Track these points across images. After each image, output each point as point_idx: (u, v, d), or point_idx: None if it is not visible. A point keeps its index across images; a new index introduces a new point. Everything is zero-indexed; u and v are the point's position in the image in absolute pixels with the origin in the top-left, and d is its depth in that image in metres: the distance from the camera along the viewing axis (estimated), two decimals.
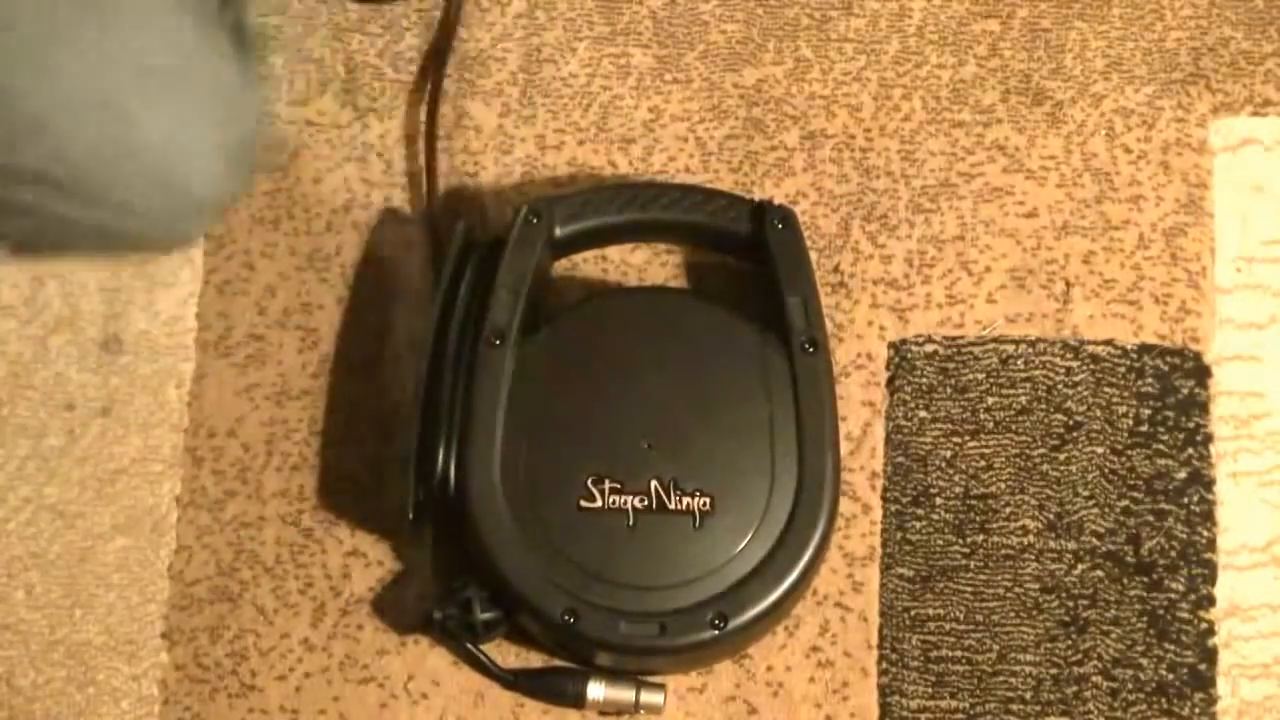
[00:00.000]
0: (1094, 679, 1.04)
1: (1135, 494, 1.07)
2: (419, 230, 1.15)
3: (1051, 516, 1.07)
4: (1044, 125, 1.17)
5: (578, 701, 1.02)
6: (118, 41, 0.99)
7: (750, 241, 1.07)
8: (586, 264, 1.13)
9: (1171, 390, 1.10)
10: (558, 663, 1.04)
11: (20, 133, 0.99)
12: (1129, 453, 1.08)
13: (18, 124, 0.98)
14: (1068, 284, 1.12)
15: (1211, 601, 1.05)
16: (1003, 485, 1.08)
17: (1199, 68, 1.18)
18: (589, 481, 1.00)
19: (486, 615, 1.00)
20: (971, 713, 1.04)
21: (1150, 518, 1.07)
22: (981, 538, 1.07)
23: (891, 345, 1.12)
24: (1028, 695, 1.04)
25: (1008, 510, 1.07)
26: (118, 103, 0.99)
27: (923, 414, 1.10)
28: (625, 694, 1.02)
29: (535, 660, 1.05)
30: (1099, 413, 1.09)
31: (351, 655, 1.06)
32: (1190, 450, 1.08)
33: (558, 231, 1.07)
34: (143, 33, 1.00)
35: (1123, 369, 1.10)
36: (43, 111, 0.98)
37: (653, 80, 1.19)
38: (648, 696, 1.02)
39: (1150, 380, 1.10)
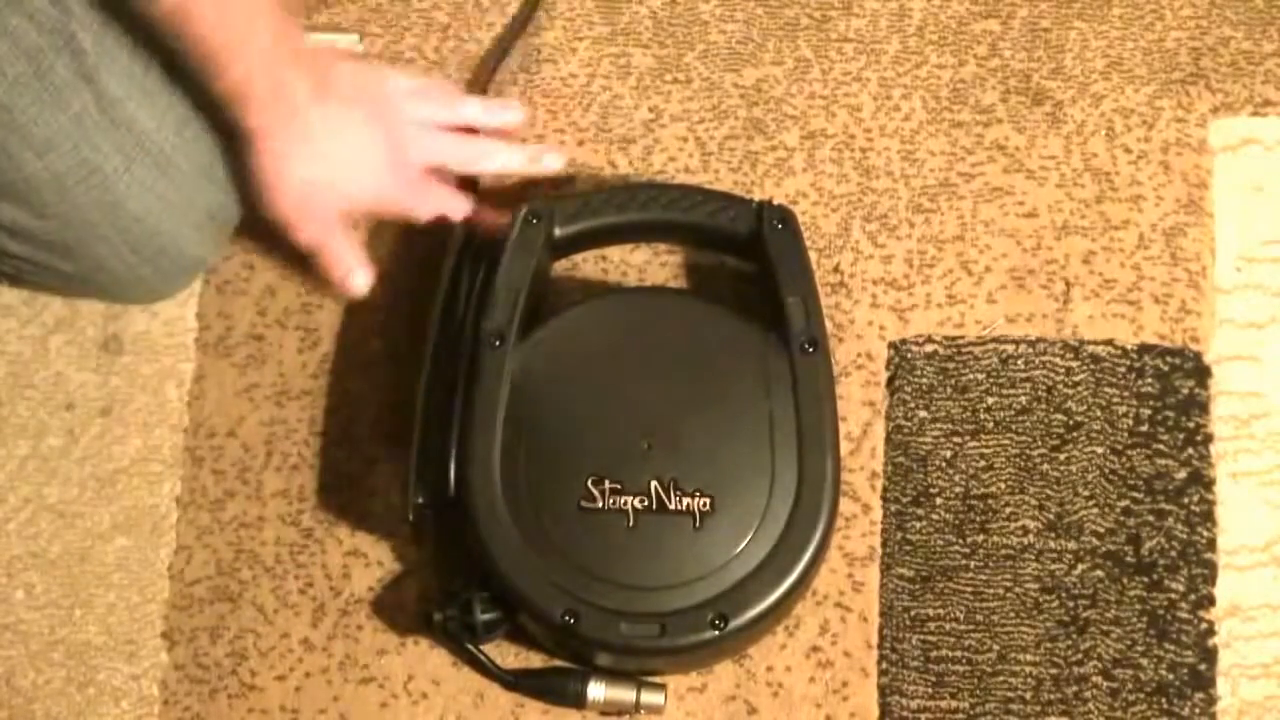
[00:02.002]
0: (1094, 679, 1.04)
1: (1135, 494, 1.07)
2: (419, 230, 1.15)
3: (1051, 516, 1.07)
4: (1044, 125, 1.17)
5: (578, 702, 1.02)
6: (110, 113, 0.99)
7: (750, 241, 1.07)
8: (586, 264, 1.13)
9: (1171, 390, 1.10)
10: (558, 663, 1.04)
11: (7, 195, 0.99)
12: (1129, 453, 1.08)
13: (4, 187, 0.99)
14: (1068, 284, 1.13)
15: (1211, 601, 1.05)
16: (1003, 485, 1.08)
17: (1199, 68, 1.18)
18: (589, 482, 1.00)
19: (487, 616, 1.00)
20: (971, 713, 1.04)
21: (1150, 518, 1.07)
22: (981, 538, 1.07)
23: (891, 345, 1.12)
24: (1028, 695, 1.04)
25: (1008, 510, 1.07)
26: (105, 172, 1.00)
27: (923, 414, 1.10)
28: (626, 694, 1.02)
29: (535, 660, 1.05)
30: (1099, 413, 1.09)
31: (351, 655, 1.06)
32: (1190, 450, 1.08)
33: (557, 232, 1.07)
34: (138, 103, 1.01)
35: (1123, 369, 1.10)
36: (32, 176, 0.98)
37: (653, 80, 1.19)
38: (648, 697, 1.02)
39: (1150, 380, 1.10)
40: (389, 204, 1.11)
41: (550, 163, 1.14)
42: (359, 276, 1.09)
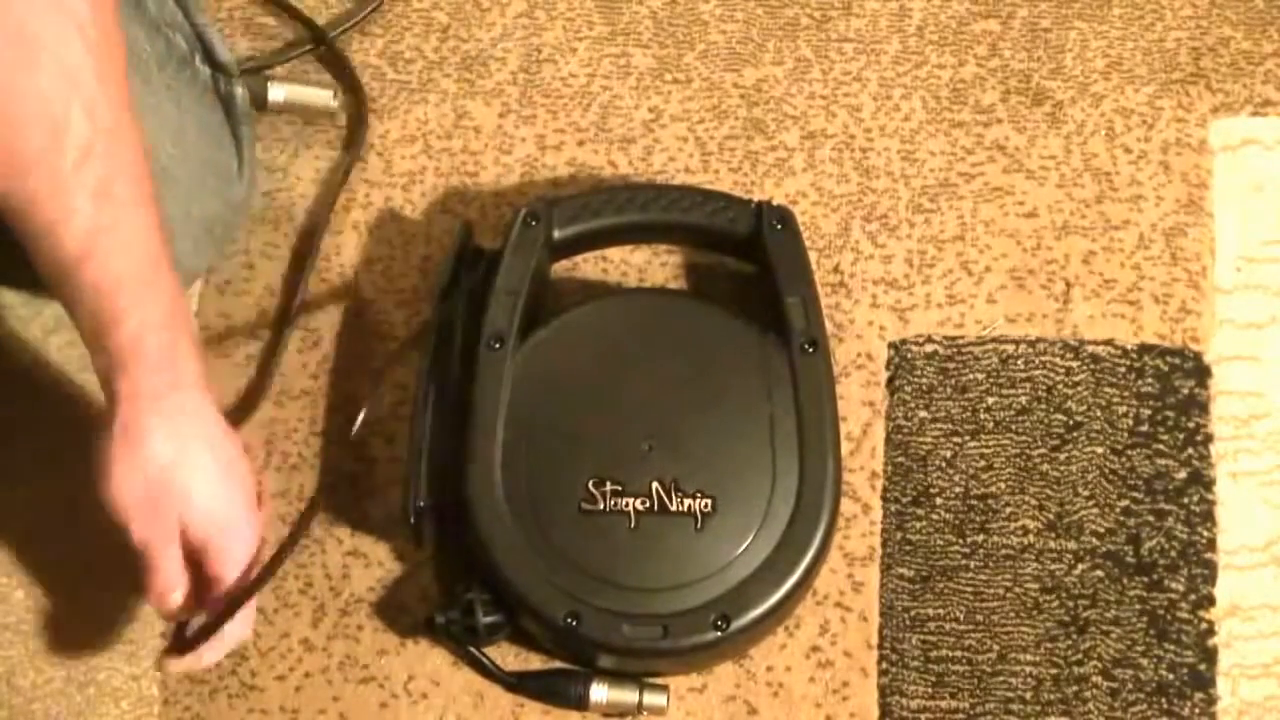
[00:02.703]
0: (1094, 679, 1.04)
1: (1135, 494, 1.07)
2: (419, 230, 1.15)
3: (1051, 516, 1.07)
4: (1044, 125, 1.17)
5: (581, 703, 1.02)
6: None
7: (749, 242, 1.07)
8: (586, 264, 1.13)
9: (1171, 390, 1.10)
10: (559, 664, 1.04)
11: None
12: (1129, 453, 1.08)
13: None
14: (1068, 284, 1.13)
15: (1211, 601, 1.05)
16: (1003, 485, 1.08)
17: (1199, 68, 1.18)
18: (590, 484, 1.00)
19: (488, 618, 1.00)
20: (971, 713, 1.04)
21: (1150, 518, 1.07)
22: (981, 538, 1.07)
23: (891, 345, 1.12)
24: (1028, 695, 1.04)
25: (1008, 510, 1.07)
26: None
27: (923, 414, 1.10)
28: (628, 696, 1.02)
29: (536, 661, 1.05)
30: (1099, 413, 1.09)
31: (351, 655, 1.06)
32: (1190, 450, 1.08)
33: (557, 234, 1.07)
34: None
35: (1123, 369, 1.10)
36: None
37: (653, 80, 1.19)
38: (651, 698, 1.02)
39: (1150, 380, 1.10)
40: (232, 550, 0.96)
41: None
42: (178, 596, 0.95)
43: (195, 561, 0.96)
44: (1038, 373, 1.10)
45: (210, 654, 0.99)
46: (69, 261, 0.88)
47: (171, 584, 0.95)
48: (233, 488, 0.96)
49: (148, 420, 0.92)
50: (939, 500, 1.08)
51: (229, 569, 0.96)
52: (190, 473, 0.94)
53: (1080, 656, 1.04)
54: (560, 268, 1.12)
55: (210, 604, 0.97)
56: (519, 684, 1.04)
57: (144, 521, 0.94)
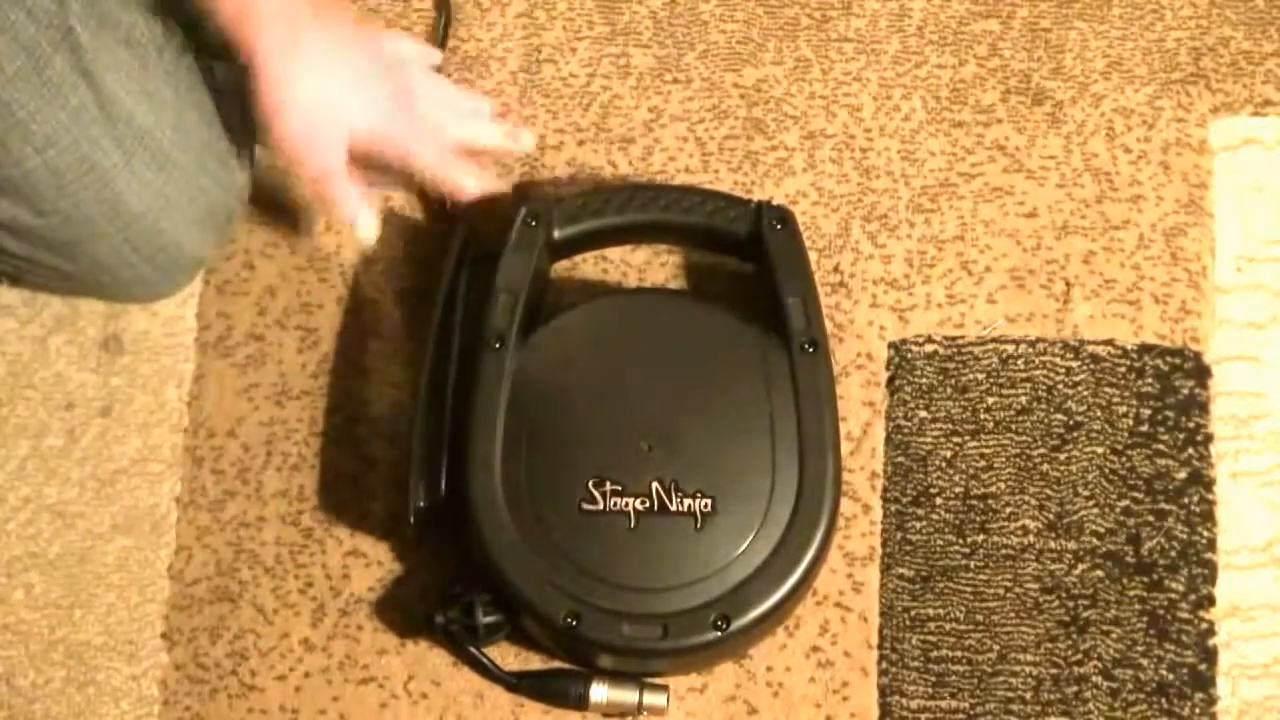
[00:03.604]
0: (1094, 679, 1.04)
1: (1135, 494, 1.07)
2: (419, 230, 1.15)
3: (1051, 516, 1.07)
4: (1044, 125, 1.17)
5: (581, 703, 1.02)
6: (109, 109, 0.99)
7: (749, 242, 1.08)
8: (586, 264, 1.13)
9: (1171, 390, 1.10)
10: (559, 664, 1.04)
11: (7, 192, 0.99)
12: (1129, 453, 1.08)
13: (4, 184, 0.99)
14: (1068, 284, 1.13)
15: (1211, 601, 1.05)
16: (1003, 485, 1.08)
17: (1199, 68, 1.18)
18: (590, 484, 1.00)
19: (489, 619, 1.00)
20: (971, 713, 1.04)
21: (1150, 518, 1.07)
22: (981, 538, 1.07)
23: (891, 345, 1.12)
24: (1028, 695, 1.04)
25: (1008, 510, 1.08)
26: (104, 168, 1.00)
27: (923, 414, 1.10)
28: (628, 696, 1.02)
29: (535, 661, 1.05)
30: (1099, 413, 1.09)
31: (351, 655, 1.06)
32: (1190, 450, 1.08)
33: (556, 234, 1.07)
34: (135, 99, 1.01)
35: (1123, 369, 1.10)
36: (32, 172, 0.98)
37: (653, 80, 1.19)
38: (651, 698, 1.02)
39: (1150, 380, 1.10)
40: (392, 140, 1.07)
41: (525, 142, 1.14)
42: (365, 219, 1.08)
43: (379, 166, 1.08)
44: (1038, 373, 1.10)
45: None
46: None
47: (353, 208, 1.07)
48: (376, 92, 1.06)
49: (282, 68, 1.01)
50: (939, 500, 1.08)
51: (408, 154, 1.08)
52: (335, 97, 1.03)
53: (1080, 656, 1.04)
54: (560, 267, 1.12)
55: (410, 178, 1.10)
56: (519, 684, 1.04)
57: (311, 158, 1.04)
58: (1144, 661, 1.04)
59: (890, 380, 1.11)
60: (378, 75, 1.07)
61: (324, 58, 1.03)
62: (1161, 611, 1.05)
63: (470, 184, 1.10)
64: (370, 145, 1.06)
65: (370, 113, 1.06)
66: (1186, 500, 1.07)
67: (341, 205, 1.07)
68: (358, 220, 1.07)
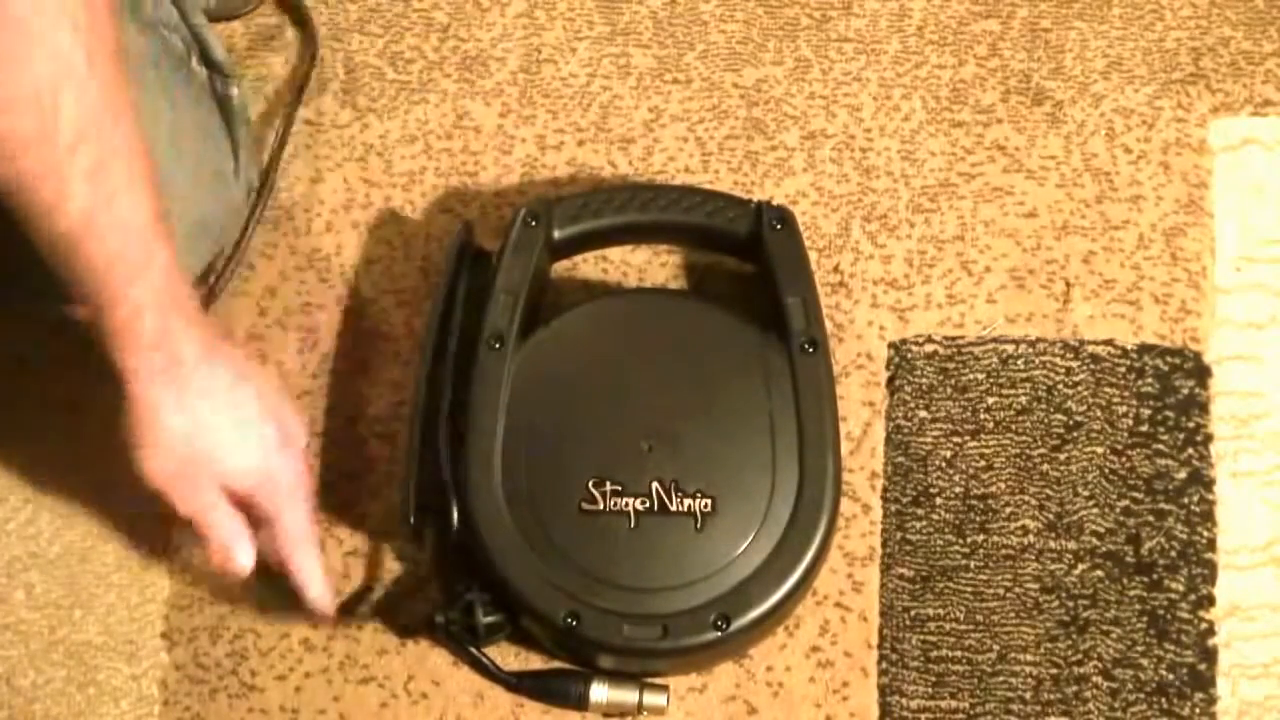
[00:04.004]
0: (1094, 679, 1.04)
1: (1135, 494, 1.07)
2: (419, 230, 1.15)
3: (1051, 516, 1.07)
4: (1044, 125, 1.17)
5: (581, 703, 1.02)
6: None
7: (749, 242, 1.07)
8: (586, 264, 1.13)
9: (1171, 390, 1.10)
10: (559, 664, 1.04)
11: None
12: (1129, 453, 1.08)
13: None
14: (1068, 284, 1.13)
15: (1211, 601, 1.05)
16: (1003, 485, 1.08)
17: (1199, 68, 1.18)
18: (590, 484, 1.00)
19: (488, 619, 1.00)
20: (971, 713, 1.04)
21: (1150, 518, 1.07)
22: (981, 538, 1.07)
23: (891, 345, 1.12)
24: (1028, 695, 1.04)
25: (1008, 510, 1.07)
26: None
27: (923, 414, 1.10)
28: (628, 696, 1.02)
29: (536, 661, 1.05)
30: (1099, 413, 1.09)
31: (351, 655, 1.06)
32: (1190, 450, 1.08)
33: (556, 234, 1.07)
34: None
35: (1123, 369, 1.10)
36: None
37: (653, 80, 1.19)
38: (651, 698, 1.02)
39: (1150, 380, 1.10)
40: (279, 491, 0.99)
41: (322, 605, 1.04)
42: (243, 551, 0.98)
43: (249, 509, 0.99)
44: (1038, 373, 1.10)
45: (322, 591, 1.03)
46: (67, 240, 0.89)
47: (229, 544, 0.98)
48: (259, 434, 0.98)
49: (157, 396, 0.94)
50: (939, 500, 1.08)
51: (284, 508, 0.99)
52: (211, 435, 0.96)
53: (1080, 656, 1.04)
54: (560, 268, 1.12)
55: (279, 541, 1.00)
56: (519, 684, 1.04)
57: (184, 494, 0.97)
58: (1144, 661, 1.04)
59: (890, 380, 1.11)
60: (265, 420, 0.99)
61: (204, 397, 0.95)
62: (1161, 611, 1.05)
63: (315, 589, 1.02)
64: (244, 493, 0.98)
65: (254, 460, 0.98)
66: (1186, 500, 1.07)
67: (216, 538, 0.98)
68: (233, 552, 0.98)
